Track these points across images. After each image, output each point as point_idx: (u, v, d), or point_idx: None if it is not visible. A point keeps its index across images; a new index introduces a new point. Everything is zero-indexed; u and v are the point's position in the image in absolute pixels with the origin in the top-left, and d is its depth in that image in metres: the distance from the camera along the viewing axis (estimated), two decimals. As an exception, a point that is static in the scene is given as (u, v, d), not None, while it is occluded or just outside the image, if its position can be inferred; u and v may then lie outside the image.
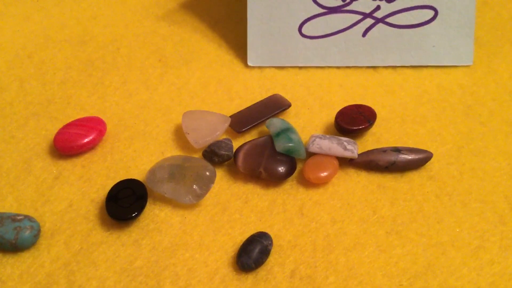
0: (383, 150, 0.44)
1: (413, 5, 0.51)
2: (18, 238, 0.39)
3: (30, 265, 0.39)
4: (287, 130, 0.44)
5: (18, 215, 0.40)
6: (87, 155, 0.45)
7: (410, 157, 0.44)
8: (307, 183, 0.43)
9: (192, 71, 0.53)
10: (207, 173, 0.42)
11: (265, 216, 0.42)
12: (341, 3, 0.51)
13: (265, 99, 0.49)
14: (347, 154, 0.43)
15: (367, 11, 0.51)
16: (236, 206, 0.42)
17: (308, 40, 0.52)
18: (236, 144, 0.45)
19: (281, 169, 0.43)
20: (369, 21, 0.52)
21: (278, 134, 0.44)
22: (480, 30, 0.56)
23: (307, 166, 0.43)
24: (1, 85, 0.51)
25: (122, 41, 0.56)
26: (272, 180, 0.43)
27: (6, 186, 0.43)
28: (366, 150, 0.45)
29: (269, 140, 0.45)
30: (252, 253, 0.38)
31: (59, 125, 0.47)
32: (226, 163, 0.45)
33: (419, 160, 0.44)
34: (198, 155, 0.45)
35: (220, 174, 0.44)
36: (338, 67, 0.53)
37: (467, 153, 0.45)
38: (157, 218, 0.41)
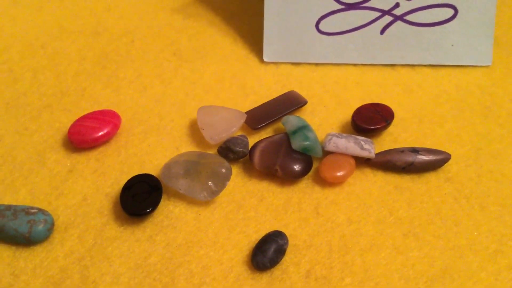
0: (401, 151, 0.44)
1: (432, 3, 0.50)
2: (31, 231, 0.38)
3: (44, 259, 0.38)
4: (304, 128, 0.44)
5: (32, 208, 0.40)
6: (101, 149, 0.45)
7: (428, 158, 0.43)
8: (323, 182, 0.43)
9: (206, 65, 0.52)
10: (223, 170, 0.41)
11: (280, 214, 0.41)
12: (359, -1, 0.50)
13: (281, 95, 0.49)
14: (364, 153, 0.43)
15: (386, 8, 0.51)
16: (251, 204, 0.42)
17: (325, 36, 0.51)
18: (251, 141, 0.45)
19: (297, 167, 0.42)
20: (387, 19, 0.51)
21: (294, 132, 0.44)
22: (499, 29, 0.55)
23: (323, 165, 0.43)
24: (14, 75, 0.51)
25: (136, 34, 0.55)
26: (288, 178, 0.43)
27: (19, 179, 0.43)
28: (383, 150, 0.44)
29: (285, 138, 0.44)
30: (268, 252, 0.38)
31: (73, 118, 0.46)
32: (241, 160, 0.44)
33: (437, 162, 0.43)
34: (213, 151, 0.44)
35: (235, 171, 0.44)
36: (355, 65, 0.52)
37: (486, 155, 0.45)
38: (172, 214, 0.41)
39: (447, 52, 0.51)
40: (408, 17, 0.51)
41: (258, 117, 0.47)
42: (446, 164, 0.44)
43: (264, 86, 0.50)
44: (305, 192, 0.42)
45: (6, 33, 0.55)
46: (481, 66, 0.52)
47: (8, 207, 0.40)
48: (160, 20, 0.57)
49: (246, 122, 0.46)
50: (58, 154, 0.45)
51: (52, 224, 0.39)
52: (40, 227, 0.39)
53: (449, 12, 0.51)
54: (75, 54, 0.53)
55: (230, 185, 0.43)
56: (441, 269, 0.38)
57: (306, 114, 0.48)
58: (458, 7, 0.50)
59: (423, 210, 0.41)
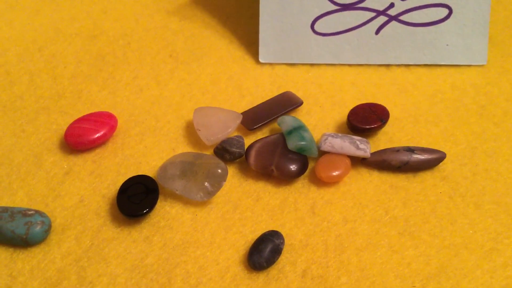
0: (396, 150, 0.44)
1: (427, 3, 0.50)
2: (29, 233, 0.39)
3: (41, 261, 0.39)
4: (299, 128, 0.44)
5: (29, 210, 0.40)
6: (98, 150, 0.45)
7: (423, 157, 0.43)
8: (319, 182, 0.43)
9: (203, 67, 0.53)
10: (219, 170, 0.41)
11: (277, 214, 0.41)
12: (354, 0, 0.50)
13: (277, 96, 0.49)
14: (360, 153, 0.43)
15: (381, 8, 0.51)
16: (247, 204, 0.42)
17: (321, 37, 0.52)
18: (247, 141, 0.45)
19: (293, 167, 0.43)
20: (382, 19, 0.51)
21: (290, 132, 0.44)
22: (494, 29, 0.55)
23: (319, 165, 0.43)
24: (11, 78, 0.51)
25: (133, 36, 0.56)
26: (284, 178, 0.43)
27: (17, 181, 0.43)
28: (378, 149, 0.45)
29: (281, 138, 0.44)
30: (264, 252, 0.38)
31: (70, 120, 0.47)
32: (237, 160, 0.44)
33: (432, 161, 0.43)
34: (209, 152, 0.45)
35: (231, 171, 0.44)
36: (350, 65, 0.52)
37: (481, 154, 0.45)
38: (168, 215, 0.41)
39: (442, 52, 0.52)
40: (402, 17, 0.51)
41: (254, 118, 0.47)
42: (441, 163, 0.44)
43: (260, 87, 0.50)
44: (301, 192, 0.43)
45: (3, 36, 0.55)
46: (476, 66, 0.52)
47: (5, 209, 0.40)
48: (156, 23, 0.57)
49: (242, 122, 0.46)
50: (55, 156, 0.45)
51: (49, 226, 0.40)
52: (37, 228, 0.39)
53: (444, 12, 0.51)
54: (71, 56, 0.53)
55: (226, 185, 0.43)
56: (436, 267, 0.38)
57: (302, 115, 0.48)
58: (453, 7, 0.51)
59: (418, 209, 0.41)
